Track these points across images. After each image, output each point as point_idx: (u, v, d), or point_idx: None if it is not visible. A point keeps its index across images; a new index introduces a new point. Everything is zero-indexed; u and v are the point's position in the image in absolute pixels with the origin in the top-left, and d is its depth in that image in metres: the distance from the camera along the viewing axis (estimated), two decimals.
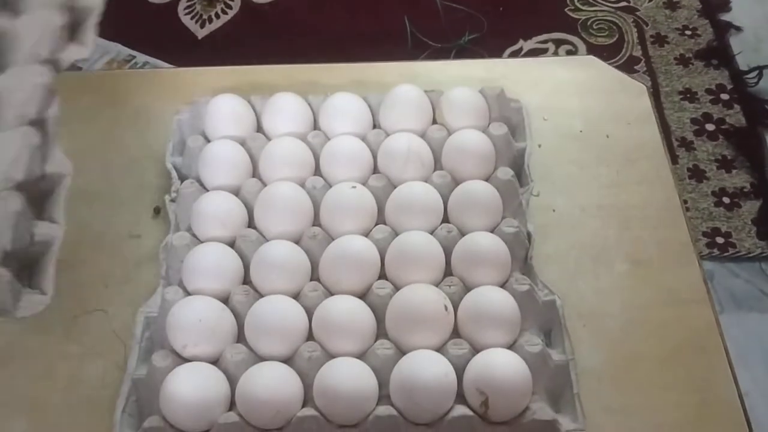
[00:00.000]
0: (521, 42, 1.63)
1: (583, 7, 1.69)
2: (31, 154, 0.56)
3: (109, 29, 1.59)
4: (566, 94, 0.77)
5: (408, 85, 0.69)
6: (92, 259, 0.66)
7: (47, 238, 0.57)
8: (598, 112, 0.75)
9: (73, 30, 0.66)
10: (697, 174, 1.43)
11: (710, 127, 1.50)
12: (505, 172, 0.64)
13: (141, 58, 1.57)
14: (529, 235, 0.63)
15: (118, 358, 0.60)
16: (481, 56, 1.47)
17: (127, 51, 1.58)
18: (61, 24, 0.63)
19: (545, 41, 1.63)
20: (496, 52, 1.57)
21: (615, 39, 1.64)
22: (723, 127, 1.50)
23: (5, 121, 0.55)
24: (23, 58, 0.59)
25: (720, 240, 1.34)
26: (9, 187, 0.55)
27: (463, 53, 1.57)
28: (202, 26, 1.65)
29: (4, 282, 0.53)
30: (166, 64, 1.54)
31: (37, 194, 0.59)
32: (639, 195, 0.69)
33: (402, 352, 0.56)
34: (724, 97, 1.54)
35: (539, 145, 0.72)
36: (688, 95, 1.55)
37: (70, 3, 0.66)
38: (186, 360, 0.56)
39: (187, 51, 1.59)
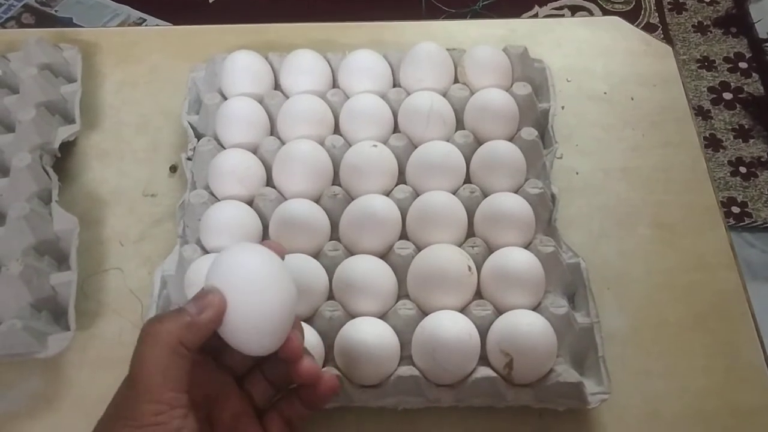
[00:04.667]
0: (536, 8, 1.61)
1: None
2: (33, 226, 0.60)
3: None
4: (590, 55, 0.75)
5: (429, 43, 0.67)
6: (108, 217, 0.66)
7: (65, 284, 0.59)
8: (622, 73, 0.73)
9: (61, 113, 0.70)
10: (713, 143, 1.42)
11: (728, 96, 1.48)
12: (529, 133, 0.63)
13: (152, 21, 1.56)
14: (553, 196, 0.61)
15: (134, 316, 0.60)
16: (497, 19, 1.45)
17: (137, 14, 1.57)
18: (50, 120, 0.68)
19: (560, 7, 1.61)
20: (510, 17, 1.55)
21: (632, 6, 1.61)
22: (741, 96, 1.48)
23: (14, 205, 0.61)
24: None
25: (736, 210, 1.34)
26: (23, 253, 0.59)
27: (477, 19, 1.55)
28: None
29: (18, 330, 0.55)
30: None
31: (56, 251, 0.62)
32: (664, 158, 0.68)
33: (424, 312, 0.55)
34: (743, 65, 1.52)
35: (562, 107, 0.70)
36: (706, 63, 1.53)
37: (54, 96, 0.69)
38: None
39: (198, 13, 1.58)
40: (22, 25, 1.56)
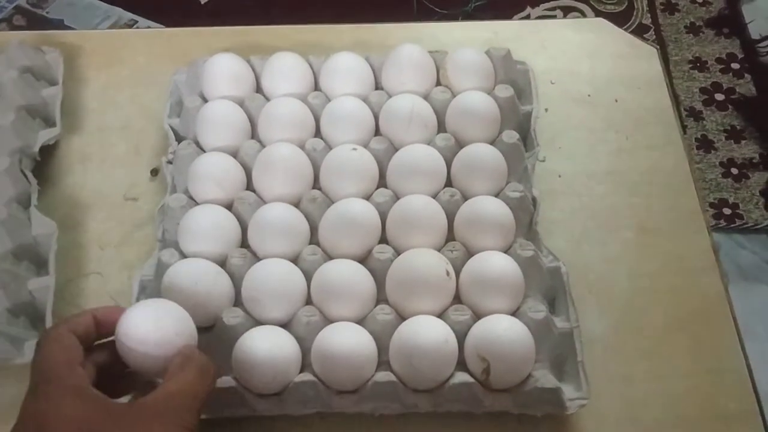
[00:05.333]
0: (528, 9, 1.60)
1: None
2: (11, 230, 0.60)
3: None
4: (575, 57, 0.75)
5: (411, 45, 0.67)
6: (88, 221, 0.65)
7: (43, 289, 0.59)
8: (607, 75, 0.73)
9: (42, 117, 0.69)
10: (705, 144, 1.41)
11: (720, 96, 1.48)
12: (511, 136, 0.62)
13: (143, 23, 1.55)
14: (534, 200, 0.61)
15: None
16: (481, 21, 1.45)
17: (128, 15, 1.56)
18: (30, 123, 0.67)
19: (553, 8, 1.61)
20: (503, 20, 1.54)
21: (624, 6, 1.61)
22: (733, 97, 1.48)
23: None
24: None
25: (727, 211, 1.33)
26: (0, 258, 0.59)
27: (469, 20, 1.55)
28: None
29: None
30: (162, 28, 1.53)
31: (34, 256, 0.62)
32: (648, 161, 0.68)
33: (402, 317, 0.54)
34: (735, 66, 1.52)
35: (546, 109, 0.70)
36: (698, 64, 1.52)
37: (34, 99, 0.69)
38: None
39: (190, 16, 1.58)
40: (13, 27, 1.55)
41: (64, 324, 0.46)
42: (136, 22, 1.55)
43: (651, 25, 1.57)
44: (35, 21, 1.56)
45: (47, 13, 1.57)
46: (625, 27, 1.56)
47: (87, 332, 0.46)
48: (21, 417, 0.42)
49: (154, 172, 0.68)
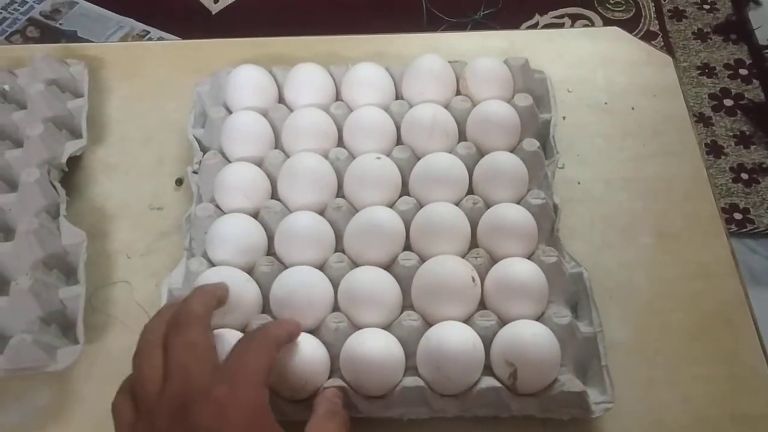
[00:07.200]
0: (537, 17, 1.61)
1: None
2: (41, 240, 0.61)
3: (123, 4, 1.60)
4: (590, 65, 0.76)
5: (432, 55, 0.68)
6: (114, 231, 0.66)
7: (74, 298, 0.60)
8: (623, 83, 0.74)
9: (68, 128, 0.71)
10: (715, 150, 1.42)
11: (728, 102, 1.49)
12: (531, 144, 0.63)
13: (155, 33, 1.57)
14: (555, 207, 0.62)
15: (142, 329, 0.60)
16: (497, 31, 1.46)
17: (140, 26, 1.58)
18: (57, 135, 0.69)
19: (561, 16, 1.62)
20: (511, 27, 1.56)
21: (632, 13, 1.62)
22: (741, 102, 1.49)
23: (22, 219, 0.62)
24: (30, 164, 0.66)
25: (738, 216, 1.34)
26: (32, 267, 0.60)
27: (478, 28, 1.56)
28: (216, 1, 1.64)
29: (28, 344, 0.56)
30: (180, 40, 1.54)
31: (64, 265, 0.63)
32: (665, 167, 0.68)
33: (429, 323, 0.55)
34: (743, 72, 1.53)
35: (564, 117, 0.71)
36: (707, 70, 1.53)
37: (61, 111, 0.70)
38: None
39: (201, 26, 1.59)
40: (26, 39, 1.57)
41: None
42: (148, 33, 1.57)
43: (659, 32, 1.58)
44: (48, 32, 1.58)
45: (60, 24, 1.59)
46: (633, 34, 1.57)
47: None
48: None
49: (179, 182, 0.69)
